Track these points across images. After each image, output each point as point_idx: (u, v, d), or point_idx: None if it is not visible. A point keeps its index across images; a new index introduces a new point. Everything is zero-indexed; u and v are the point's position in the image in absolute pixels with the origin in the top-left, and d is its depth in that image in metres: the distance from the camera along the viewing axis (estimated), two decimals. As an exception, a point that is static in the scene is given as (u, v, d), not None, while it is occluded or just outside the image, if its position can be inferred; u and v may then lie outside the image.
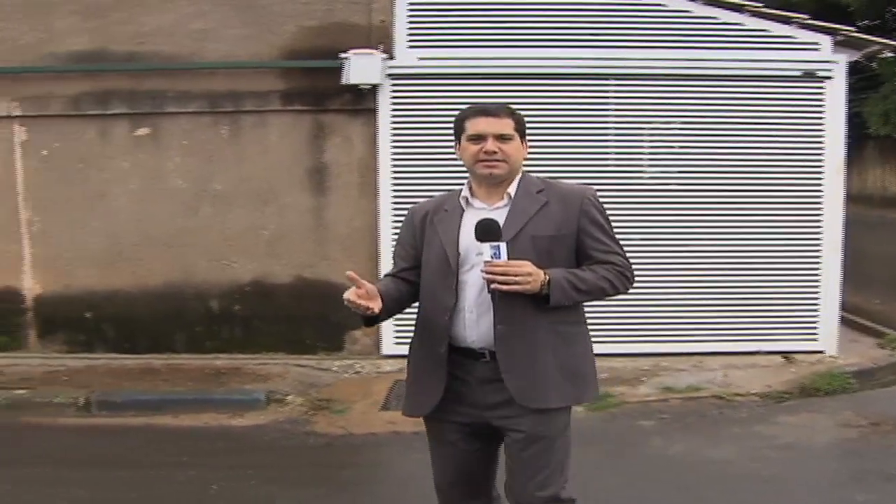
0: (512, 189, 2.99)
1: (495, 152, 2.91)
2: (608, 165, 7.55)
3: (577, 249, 2.97)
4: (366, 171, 7.58)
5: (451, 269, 2.93)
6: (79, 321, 7.81)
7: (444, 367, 2.95)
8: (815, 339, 7.71)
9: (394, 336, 7.52)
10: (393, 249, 3.28)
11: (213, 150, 7.60)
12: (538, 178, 3.08)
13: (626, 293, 3.08)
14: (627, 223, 7.21)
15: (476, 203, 3.02)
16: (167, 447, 5.87)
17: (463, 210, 3.02)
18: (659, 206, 7.61)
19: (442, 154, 7.31)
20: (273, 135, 7.62)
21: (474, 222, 2.83)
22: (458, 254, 2.94)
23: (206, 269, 7.71)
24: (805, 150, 7.59)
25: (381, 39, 7.47)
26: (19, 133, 7.67)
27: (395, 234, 7.15)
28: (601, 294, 2.97)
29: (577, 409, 6.02)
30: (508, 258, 2.78)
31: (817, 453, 5.63)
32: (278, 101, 7.58)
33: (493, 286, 2.78)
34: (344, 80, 7.32)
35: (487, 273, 2.77)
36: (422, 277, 3.06)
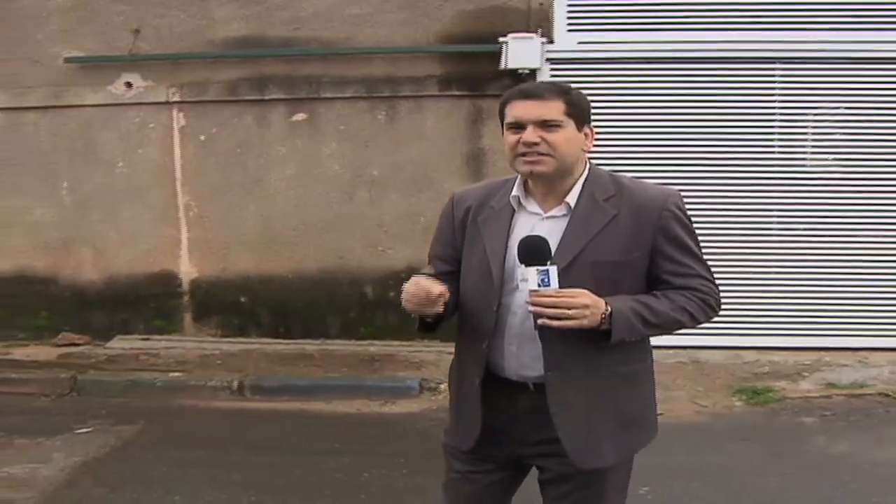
0: (573, 196, 2.58)
1: (536, 143, 2.49)
2: (772, 151, 7.84)
3: (650, 271, 2.60)
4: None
5: (493, 288, 2.58)
6: (234, 305, 8.35)
7: (478, 402, 2.66)
8: None
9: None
10: (430, 247, 2.90)
11: (370, 136, 8.04)
12: (612, 176, 2.65)
13: (707, 323, 2.72)
14: (790, 211, 7.64)
15: (530, 206, 2.64)
16: (319, 433, 6.19)
17: (514, 211, 2.64)
18: (823, 195, 7.85)
19: (602, 141, 7.65)
20: (429, 120, 8.01)
21: (526, 231, 2.52)
22: (504, 269, 2.58)
23: (360, 255, 8.16)
24: None
25: (539, 23, 7.83)
26: (178, 119, 8.23)
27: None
28: (675, 327, 2.61)
29: (737, 404, 6.48)
30: (560, 286, 2.41)
31: None
32: (435, 87, 7.96)
33: (540, 321, 2.41)
34: (502, 65, 7.71)
35: (533, 305, 2.41)
36: (461, 287, 2.71)
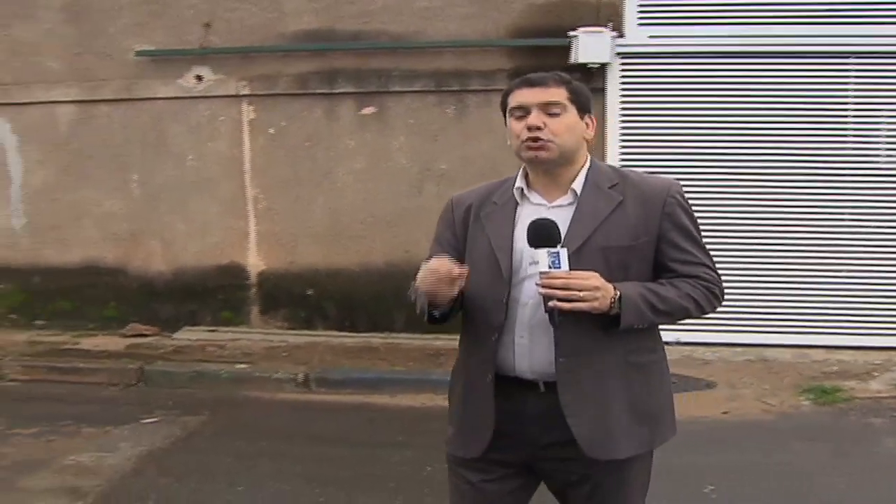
0: (578, 183, 2.63)
1: (540, 127, 2.56)
2: (846, 147, 7.88)
3: (656, 259, 2.64)
4: (593, 152, 7.89)
5: (503, 278, 2.59)
6: (300, 298, 8.56)
7: (490, 400, 2.63)
8: None
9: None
10: (430, 250, 2.86)
11: (438, 130, 8.21)
12: (612, 168, 2.76)
13: (713, 313, 2.74)
14: (862, 209, 7.70)
15: (533, 197, 2.68)
16: (383, 426, 6.28)
17: (517, 203, 2.67)
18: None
19: (673, 136, 7.90)
20: (498, 114, 8.04)
21: (529, 221, 2.53)
22: (512, 260, 2.60)
23: (427, 249, 8.23)
24: None
25: (609, 17, 7.97)
26: (247, 112, 8.48)
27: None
28: (682, 315, 2.64)
29: (804, 403, 6.55)
30: (571, 269, 2.45)
31: None
32: (505, 81, 8.03)
33: (550, 304, 2.43)
34: (572, 59, 7.84)
35: (544, 287, 2.43)
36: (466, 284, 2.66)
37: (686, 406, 6.44)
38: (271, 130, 8.46)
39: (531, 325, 2.56)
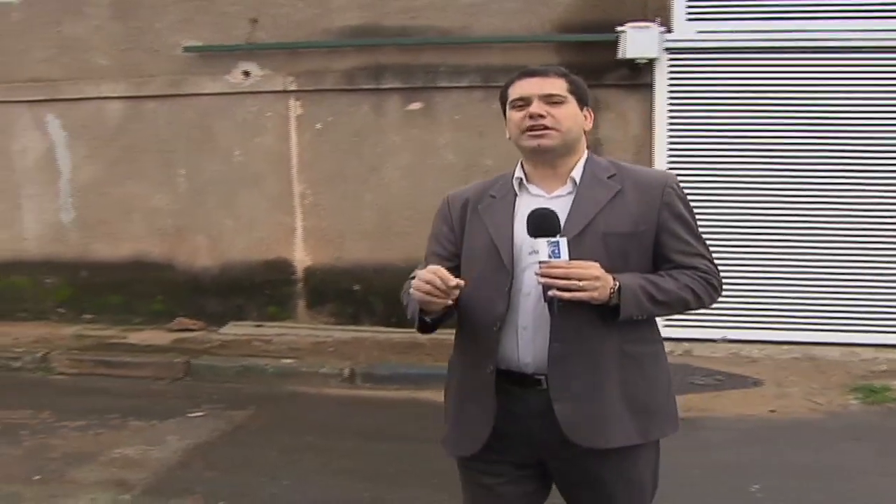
0: (577, 172, 2.66)
1: (542, 116, 2.58)
2: (899, 143, 7.90)
3: (655, 250, 2.65)
4: (641, 148, 8.14)
5: (505, 269, 2.59)
6: (347, 293, 8.69)
7: (491, 394, 2.62)
8: None
9: (664, 317, 7.95)
10: (427, 247, 2.89)
11: (485, 125, 8.30)
12: (609, 160, 2.75)
13: (710, 307, 2.74)
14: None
15: (532, 188, 2.69)
16: (429, 422, 6.32)
17: (516, 195, 2.69)
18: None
19: (722, 133, 7.93)
20: (544, 109, 8.16)
21: (529, 211, 2.53)
22: (513, 251, 2.61)
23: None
24: None
25: (657, 12, 8.01)
26: (294, 107, 8.63)
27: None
28: (682, 307, 2.65)
29: (852, 402, 6.56)
30: (573, 259, 2.45)
31: None
32: (552, 77, 8.10)
33: (550, 293, 2.43)
34: (620, 55, 7.92)
35: (543, 276, 2.43)
36: (464, 277, 2.62)
37: (733, 404, 6.56)
38: (318, 126, 8.60)
39: (534, 315, 2.56)
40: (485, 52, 8.28)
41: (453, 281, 2.44)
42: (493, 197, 2.70)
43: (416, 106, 8.42)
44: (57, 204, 9.16)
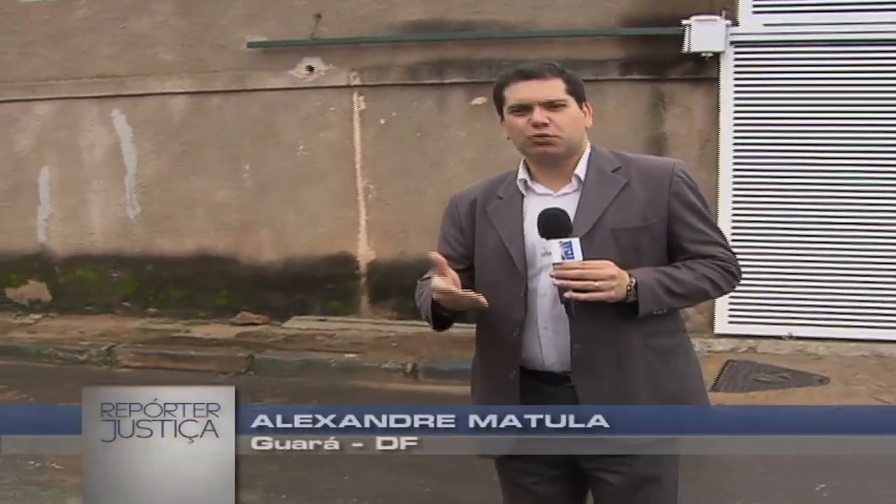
0: (581, 169, 2.67)
1: (545, 124, 2.57)
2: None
3: (668, 241, 2.65)
4: (706, 143, 8.22)
5: (519, 273, 2.62)
6: (410, 288, 8.57)
7: (516, 396, 2.63)
8: None
9: (728, 313, 8.06)
10: (437, 249, 2.84)
11: (549, 120, 8.34)
12: (613, 152, 2.74)
13: (731, 293, 2.77)
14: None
15: (538, 188, 2.70)
16: None
17: (523, 196, 2.70)
18: None
19: (789, 127, 7.99)
20: (609, 104, 8.35)
21: (538, 212, 2.56)
22: (525, 253, 2.63)
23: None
24: None
25: (723, 5, 8.08)
26: (358, 102, 8.84)
27: (737, 210, 7.85)
28: (701, 298, 2.68)
29: None
30: (584, 258, 2.47)
31: None
32: (616, 70, 8.30)
33: (566, 295, 2.46)
34: (685, 48, 8.01)
35: (558, 279, 2.46)
36: (478, 282, 2.71)
37: (799, 401, 6.64)
38: (382, 121, 8.80)
39: (552, 316, 2.59)
40: (548, 46, 8.38)
41: (481, 301, 2.50)
42: (501, 198, 2.71)
43: (479, 101, 8.55)
44: (123, 199, 9.46)
